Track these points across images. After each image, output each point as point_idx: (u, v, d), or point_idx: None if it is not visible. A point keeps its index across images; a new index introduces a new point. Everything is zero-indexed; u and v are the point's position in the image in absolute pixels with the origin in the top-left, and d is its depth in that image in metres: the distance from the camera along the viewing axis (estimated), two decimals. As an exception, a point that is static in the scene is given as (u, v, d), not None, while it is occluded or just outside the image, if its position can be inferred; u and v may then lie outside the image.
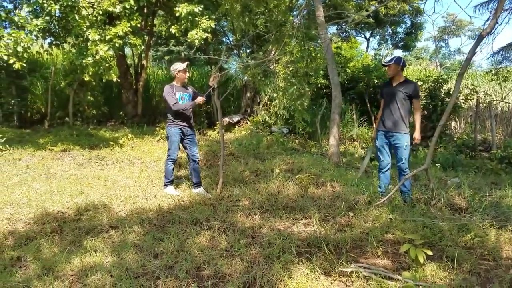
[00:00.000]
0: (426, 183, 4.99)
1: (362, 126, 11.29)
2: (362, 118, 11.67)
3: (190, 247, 3.33)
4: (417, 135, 4.61)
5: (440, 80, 10.60)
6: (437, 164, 7.19)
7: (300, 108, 5.70)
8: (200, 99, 4.93)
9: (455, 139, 10.26)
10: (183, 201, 4.64)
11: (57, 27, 8.40)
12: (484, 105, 12.30)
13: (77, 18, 7.73)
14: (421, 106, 9.86)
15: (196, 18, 8.94)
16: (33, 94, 11.70)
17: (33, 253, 3.27)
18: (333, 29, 19.59)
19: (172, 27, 9.35)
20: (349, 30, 20.11)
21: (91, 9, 7.95)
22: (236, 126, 11.14)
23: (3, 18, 7.82)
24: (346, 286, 2.81)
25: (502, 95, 13.58)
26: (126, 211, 4.29)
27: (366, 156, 6.31)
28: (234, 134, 10.17)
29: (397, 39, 21.53)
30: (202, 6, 8.99)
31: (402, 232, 3.41)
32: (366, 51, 21.69)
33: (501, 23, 4.53)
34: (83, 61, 7.81)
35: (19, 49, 7.20)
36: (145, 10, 10.56)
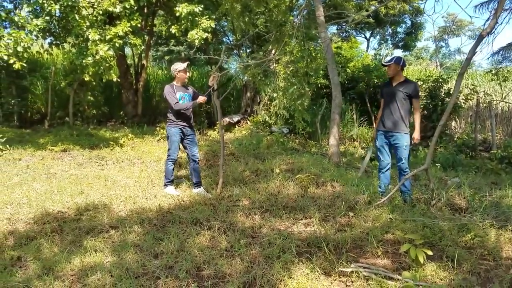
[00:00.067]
0: (426, 183, 4.99)
1: (362, 126, 11.30)
2: (362, 118, 11.67)
3: (190, 247, 3.34)
4: (416, 135, 4.61)
5: (440, 80, 10.60)
6: (437, 164, 7.19)
7: (300, 108, 5.70)
8: (201, 98, 4.93)
9: (455, 139, 10.26)
10: (183, 201, 4.64)
11: (57, 27, 8.41)
12: (484, 105, 12.29)
13: (77, 18, 7.73)
14: (421, 106, 9.90)
15: (196, 18, 8.94)
16: (33, 94, 11.70)
17: (33, 253, 3.27)
18: (333, 29, 19.61)
19: (172, 27, 9.35)
20: (349, 30, 20.11)
21: (91, 9, 7.96)
22: (236, 126, 11.14)
23: (3, 18, 7.82)
24: (346, 286, 2.81)
25: (502, 95, 13.58)
26: (126, 211, 4.29)
27: (366, 156, 6.31)
28: (234, 134, 10.17)
29: (397, 39, 21.52)
30: (202, 6, 8.99)
31: (402, 232, 3.40)
32: (366, 51, 21.70)
33: (501, 23, 4.53)
34: (83, 61, 7.81)
35: (19, 49, 7.20)
36: (145, 10, 10.56)
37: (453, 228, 3.53)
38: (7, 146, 7.47)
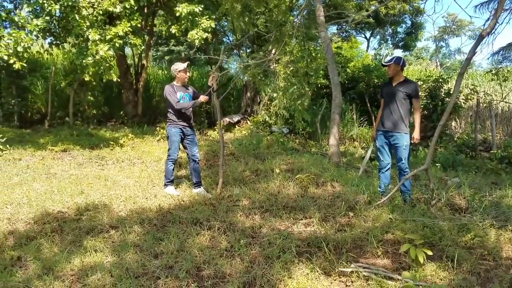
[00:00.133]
0: (426, 183, 4.99)
1: (362, 126, 11.30)
2: (362, 118, 11.67)
3: (190, 247, 3.34)
4: (416, 135, 4.61)
5: (440, 80, 10.59)
6: (437, 164, 7.19)
7: (300, 108, 5.70)
8: (203, 98, 4.92)
9: (455, 139, 10.26)
10: (183, 201, 4.64)
11: (57, 27, 8.41)
12: (484, 105, 12.29)
13: (77, 18, 7.73)
14: (421, 106, 9.89)
15: (196, 18, 8.94)
16: (33, 94, 11.70)
17: (33, 253, 3.27)
18: (333, 29, 19.59)
19: (172, 27, 9.35)
20: (349, 30, 20.10)
21: (91, 9, 7.96)
22: (236, 126, 11.14)
23: (3, 18, 7.82)
24: (346, 286, 2.81)
25: (502, 95, 13.57)
26: (126, 211, 4.29)
27: (366, 155, 6.30)
28: (234, 134, 10.17)
29: (397, 39, 21.51)
30: (202, 6, 8.99)
31: (402, 232, 3.40)
32: (366, 51, 21.70)
33: (502, 23, 4.52)
34: (83, 61, 7.81)
35: (19, 49, 7.20)
36: (145, 10, 10.56)
37: (453, 228, 3.53)
38: (7, 146, 7.47)
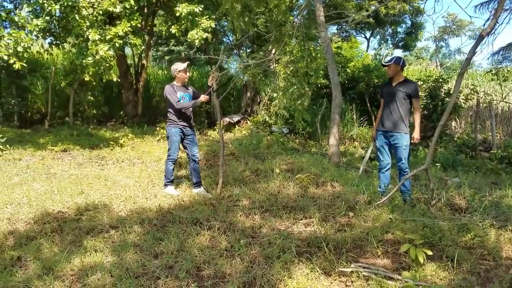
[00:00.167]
0: (426, 183, 4.99)
1: (362, 126, 11.30)
2: (362, 118, 11.67)
3: (190, 247, 3.34)
4: (416, 134, 4.61)
5: (440, 80, 10.59)
6: (437, 164, 7.19)
7: (300, 108, 5.70)
8: (203, 97, 4.91)
9: (455, 139, 10.26)
10: (183, 201, 4.64)
11: (57, 27, 8.41)
12: (484, 105, 12.29)
13: (77, 18, 7.73)
14: (421, 106, 9.89)
15: (196, 18, 8.94)
16: (33, 94, 11.70)
17: (33, 253, 3.27)
18: (333, 29, 19.59)
19: (172, 27, 9.35)
20: (349, 30, 20.10)
21: (91, 9, 7.96)
22: (236, 126, 11.14)
23: (3, 18, 7.82)
24: (346, 286, 2.81)
25: (502, 95, 13.57)
26: (126, 211, 4.29)
27: (366, 154, 6.30)
28: (234, 134, 10.17)
29: (397, 39, 21.52)
30: (202, 6, 8.99)
31: (402, 232, 3.40)
32: (366, 51, 21.70)
33: (502, 23, 4.52)
34: (83, 61, 7.81)
35: (19, 49, 7.20)
36: (145, 10, 10.56)
37: (453, 228, 3.53)
38: (7, 146, 7.47)
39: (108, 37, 7.96)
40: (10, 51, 7.18)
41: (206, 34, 9.03)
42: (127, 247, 3.34)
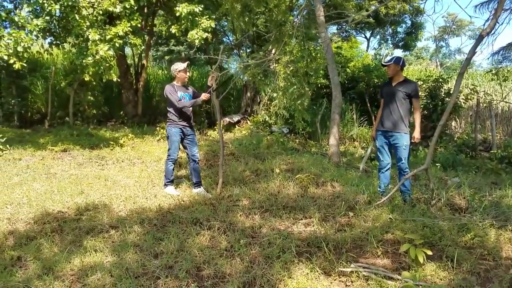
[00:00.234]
0: (426, 183, 4.99)
1: (362, 126, 11.29)
2: (362, 118, 11.67)
3: (190, 247, 3.34)
4: (417, 134, 4.61)
5: (440, 79, 10.59)
6: (437, 164, 7.19)
7: (300, 108, 5.71)
8: (204, 95, 4.91)
9: (455, 138, 10.26)
10: (183, 201, 4.64)
11: (57, 27, 8.41)
12: (484, 105, 12.29)
13: (77, 18, 7.73)
14: (421, 106, 9.89)
15: (196, 18, 8.94)
16: (33, 94, 11.70)
17: (33, 253, 3.28)
18: (333, 29, 19.60)
19: (172, 27, 9.35)
20: (349, 30, 20.11)
21: (91, 9, 7.96)
22: (236, 126, 11.14)
23: (3, 18, 7.82)
24: (346, 286, 2.81)
25: (502, 95, 13.57)
26: (126, 211, 4.29)
27: (366, 153, 6.30)
28: (234, 134, 10.17)
29: (397, 38, 21.53)
30: (202, 6, 8.99)
31: (402, 232, 3.40)
32: (367, 50, 21.71)
33: (502, 23, 4.52)
34: (83, 61, 7.81)
35: (20, 49, 7.20)
36: (145, 10, 10.56)
37: (453, 228, 3.53)
38: (7, 146, 7.47)
39: (108, 37, 7.96)
40: (10, 51, 7.18)
41: (206, 34, 9.03)
42: (127, 247, 3.34)
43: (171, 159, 5.04)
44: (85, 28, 7.79)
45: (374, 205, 4.10)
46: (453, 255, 3.03)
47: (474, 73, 16.89)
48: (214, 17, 9.48)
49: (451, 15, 31.15)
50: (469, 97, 10.76)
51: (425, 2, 13.40)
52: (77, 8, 7.72)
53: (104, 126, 11.63)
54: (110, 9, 8.02)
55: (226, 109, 13.22)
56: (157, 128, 10.06)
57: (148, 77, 13.18)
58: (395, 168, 4.89)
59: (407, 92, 4.58)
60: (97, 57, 7.79)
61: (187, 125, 5.03)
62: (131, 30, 8.40)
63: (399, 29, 20.86)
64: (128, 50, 13.71)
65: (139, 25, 9.16)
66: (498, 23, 4.14)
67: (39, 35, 7.77)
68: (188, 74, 5.18)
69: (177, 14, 8.77)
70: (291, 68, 5.62)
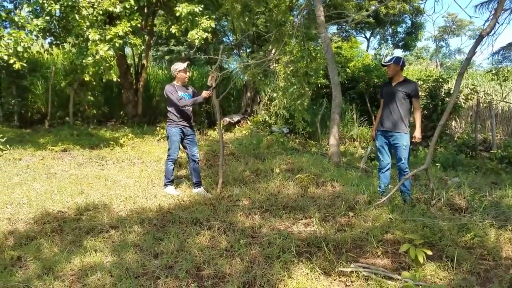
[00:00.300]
0: (426, 183, 4.99)
1: (362, 126, 11.30)
2: (362, 118, 11.67)
3: (190, 247, 3.34)
4: (417, 134, 4.61)
5: (440, 79, 10.60)
6: (437, 164, 7.19)
7: (300, 108, 5.71)
8: (205, 93, 4.90)
9: (455, 138, 10.26)
10: (183, 201, 4.64)
11: (57, 27, 8.41)
12: (485, 104, 12.30)
13: (77, 18, 7.74)
14: (421, 106, 9.89)
15: (196, 18, 8.94)
16: (33, 94, 11.70)
17: (33, 253, 3.28)
18: (333, 29, 19.61)
19: (172, 27, 9.35)
20: (349, 30, 20.11)
21: (91, 9, 7.96)
22: (236, 126, 11.14)
23: (3, 18, 7.82)
24: (346, 286, 2.81)
25: (502, 94, 13.58)
26: (126, 211, 4.29)
27: (366, 153, 6.30)
28: (234, 134, 10.17)
29: (397, 38, 21.53)
30: (202, 6, 8.99)
31: (402, 232, 3.41)
32: (367, 50, 21.71)
33: (502, 23, 4.52)
34: (83, 61, 7.81)
35: (20, 49, 7.20)
36: (145, 10, 10.56)
37: (453, 228, 3.53)
38: (7, 146, 7.47)
39: (108, 37, 7.97)
40: (10, 51, 7.18)
41: (206, 34, 9.03)
42: (127, 247, 3.34)
43: (171, 159, 5.04)
44: (85, 28, 7.80)
45: (374, 205, 4.10)
46: (453, 255, 3.03)
47: (474, 73, 16.90)
48: (214, 17, 9.48)
49: (451, 15, 31.18)
50: (469, 97, 10.76)
51: (425, 2, 13.41)
52: (77, 8, 7.72)
53: (104, 126, 11.63)
54: (110, 9, 8.02)
55: (226, 109, 13.22)
56: (157, 128, 10.06)
57: (148, 77, 13.18)
58: (395, 168, 4.89)
59: (407, 92, 4.58)
60: (97, 57, 7.80)
61: (187, 125, 5.03)
62: (131, 30, 8.40)
63: (399, 29, 20.87)
64: (128, 50, 13.72)
65: (139, 25, 9.16)
66: (498, 23, 4.14)
67: (39, 35, 7.77)
68: (188, 74, 5.18)
69: (177, 14, 8.77)
70: (291, 68, 5.62)
